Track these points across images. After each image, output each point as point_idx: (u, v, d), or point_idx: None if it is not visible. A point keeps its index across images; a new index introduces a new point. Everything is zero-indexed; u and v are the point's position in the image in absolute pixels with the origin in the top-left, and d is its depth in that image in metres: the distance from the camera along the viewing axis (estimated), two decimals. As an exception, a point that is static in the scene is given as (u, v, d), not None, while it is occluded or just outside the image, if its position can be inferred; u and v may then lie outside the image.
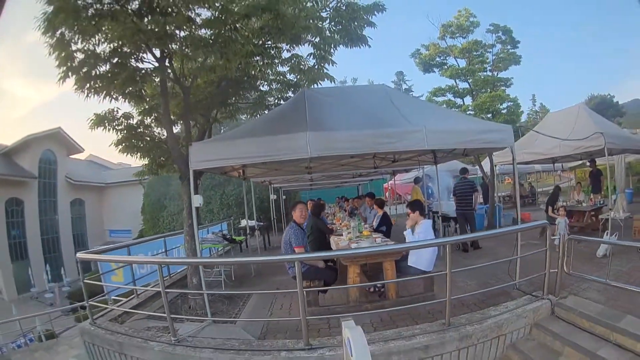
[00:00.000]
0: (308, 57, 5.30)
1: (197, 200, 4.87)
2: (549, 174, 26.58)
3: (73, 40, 4.73)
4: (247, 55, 4.49)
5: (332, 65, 5.18)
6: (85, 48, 4.87)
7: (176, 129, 6.59)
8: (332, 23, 4.92)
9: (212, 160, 4.61)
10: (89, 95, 5.26)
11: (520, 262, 4.57)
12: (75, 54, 4.88)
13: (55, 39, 4.64)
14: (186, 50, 4.95)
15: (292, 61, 5.33)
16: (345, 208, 10.96)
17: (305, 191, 19.02)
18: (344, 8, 4.78)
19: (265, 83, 6.61)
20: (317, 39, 4.98)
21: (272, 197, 11.37)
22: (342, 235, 5.71)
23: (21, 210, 22.20)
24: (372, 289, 4.54)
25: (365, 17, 4.76)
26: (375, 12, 4.87)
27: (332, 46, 5.06)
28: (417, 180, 9.64)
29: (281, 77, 6.51)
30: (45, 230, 23.41)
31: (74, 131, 35.93)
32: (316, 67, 5.26)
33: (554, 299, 4.08)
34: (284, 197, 15.19)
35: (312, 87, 5.56)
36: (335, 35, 4.94)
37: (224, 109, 6.64)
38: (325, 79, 5.35)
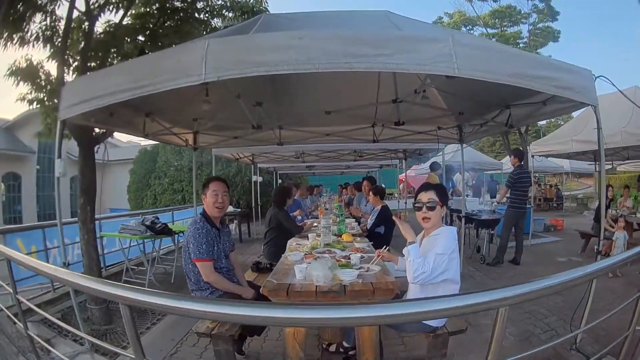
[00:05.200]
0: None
1: (57, 167, 3.06)
2: (576, 178, 23.90)
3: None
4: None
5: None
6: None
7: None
8: None
9: (80, 104, 2.73)
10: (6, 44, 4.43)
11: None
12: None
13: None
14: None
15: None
16: (343, 197, 8.90)
17: (308, 176, 17.05)
18: None
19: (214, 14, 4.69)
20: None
21: (255, 178, 9.36)
22: (308, 237, 3.63)
23: (18, 184, 21.96)
24: (332, 347, 2.50)
25: None
26: None
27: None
28: (434, 167, 7.39)
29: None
30: (42, 206, 22.98)
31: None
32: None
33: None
34: (279, 180, 13.24)
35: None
36: None
37: (157, 46, 4.69)
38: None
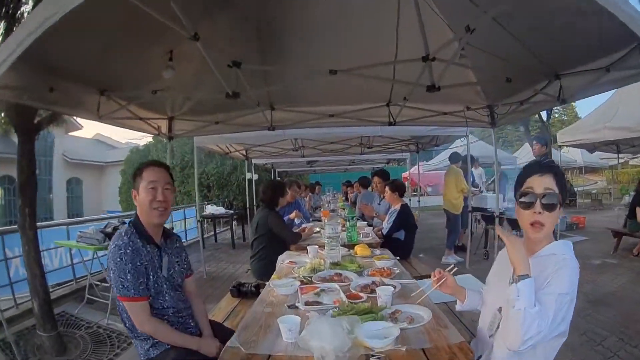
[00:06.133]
0: None
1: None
2: (581, 174, 22.91)
3: None
4: None
5: None
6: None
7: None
8: None
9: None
10: None
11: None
12: None
13: None
14: None
15: None
16: (348, 196, 7.99)
17: (309, 174, 16.16)
18: None
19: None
20: None
21: (250, 176, 8.38)
22: (307, 250, 2.66)
23: (14, 188, 22.12)
24: None
25: None
26: None
27: None
28: (454, 158, 6.31)
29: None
30: (38, 209, 23.36)
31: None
32: None
33: None
34: (278, 178, 12.35)
35: None
36: None
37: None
38: None
